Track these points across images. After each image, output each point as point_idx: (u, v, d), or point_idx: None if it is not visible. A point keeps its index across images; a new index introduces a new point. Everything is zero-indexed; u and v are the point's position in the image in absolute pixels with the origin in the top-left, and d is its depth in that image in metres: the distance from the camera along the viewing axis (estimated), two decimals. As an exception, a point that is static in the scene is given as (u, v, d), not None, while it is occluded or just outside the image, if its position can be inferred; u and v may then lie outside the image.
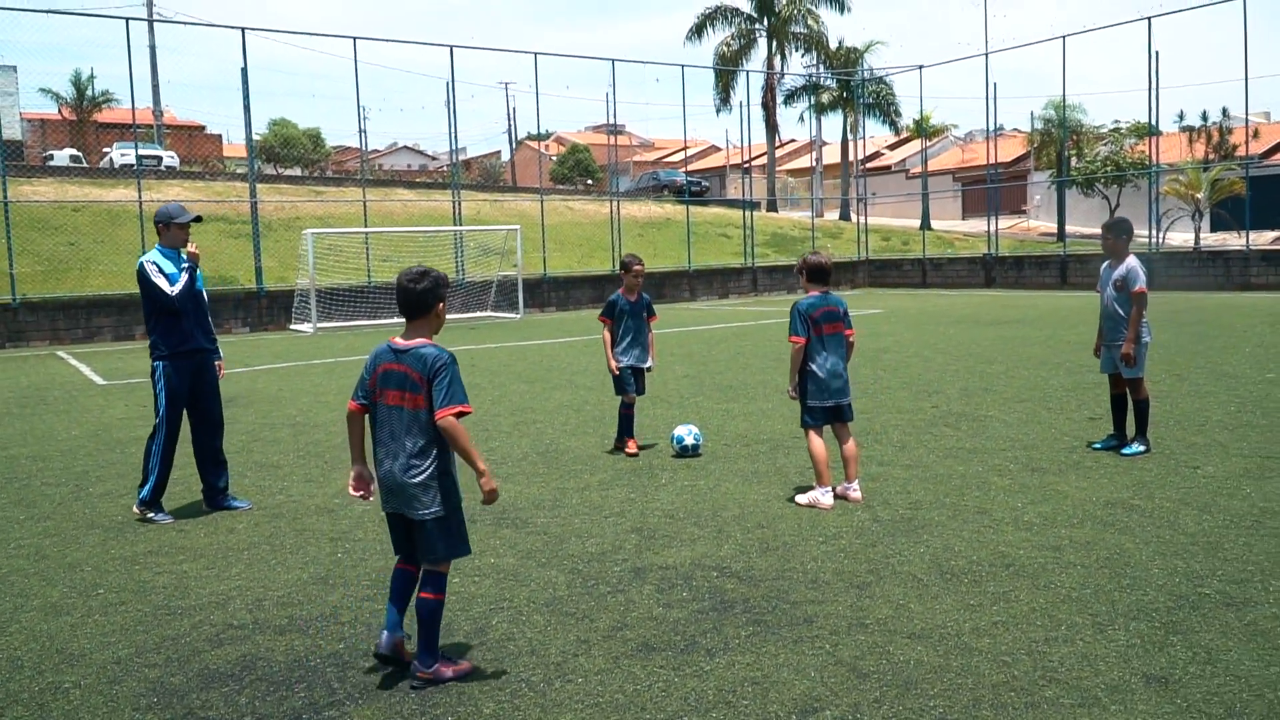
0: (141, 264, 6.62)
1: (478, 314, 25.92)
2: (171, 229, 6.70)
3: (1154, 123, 30.04)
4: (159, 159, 35.11)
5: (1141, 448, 7.43)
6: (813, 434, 6.51)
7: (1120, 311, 7.71)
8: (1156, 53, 28.14)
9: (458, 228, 27.48)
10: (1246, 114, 29.11)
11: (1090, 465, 7.15)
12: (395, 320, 23.84)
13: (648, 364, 8.36)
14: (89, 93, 50.26)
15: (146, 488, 6.55)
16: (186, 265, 6.69)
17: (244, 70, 23.67)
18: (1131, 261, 7.73)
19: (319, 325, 22.70)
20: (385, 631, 4.05)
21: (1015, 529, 5.68)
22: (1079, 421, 8.81)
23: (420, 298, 4.08)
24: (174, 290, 6.52)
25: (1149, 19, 28.25)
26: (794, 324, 6.48)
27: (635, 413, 8.34)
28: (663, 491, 6.88)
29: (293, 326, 23.61)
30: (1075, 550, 5.26)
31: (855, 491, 6.48)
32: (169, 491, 6.84)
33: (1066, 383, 10.93)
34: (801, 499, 6.42)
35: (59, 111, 51.45)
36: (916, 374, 12.20)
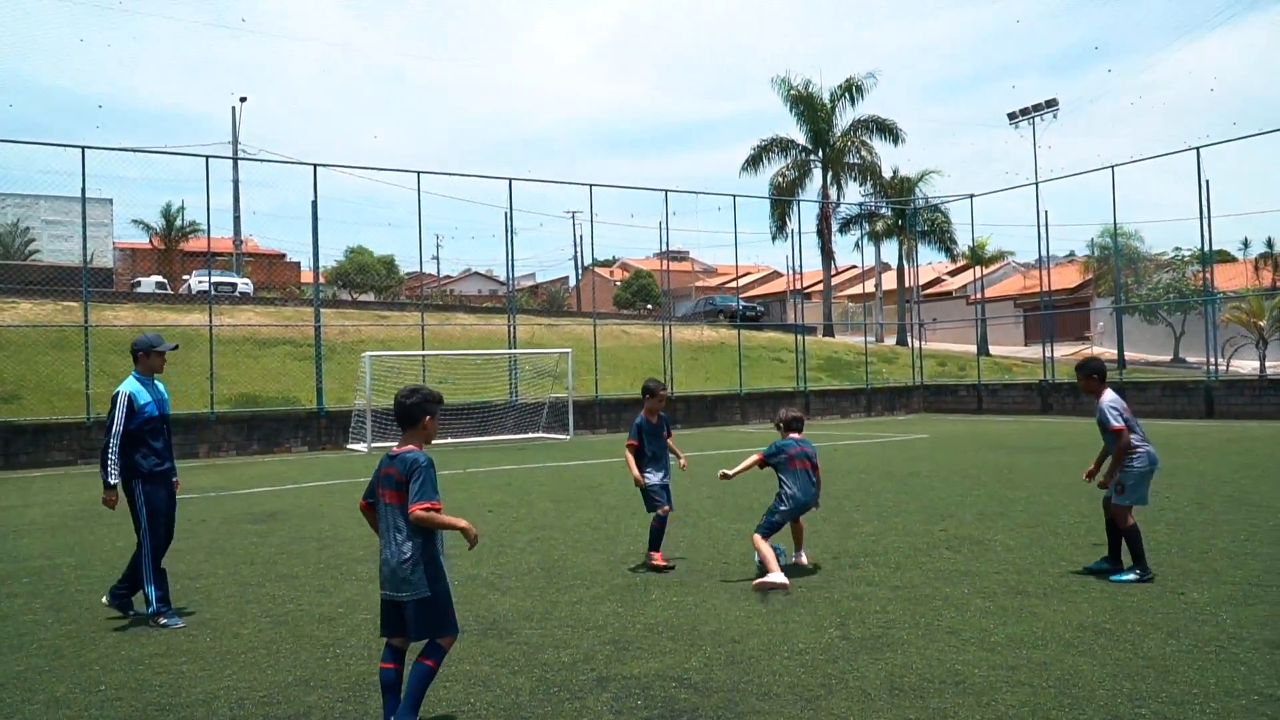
0: (118, 393, 7.13)
1: (529, 435, 26.45)
2: (151, 356, 7.29)
3: (1208, 250, 29.97)
4: (234, 285, 36.92)
5: (1132, 576, 7.45)
6: (760, 538, 7.79)
7: (1111, 446, 7.88)
8: (1207, 181, 28.28)
9: (511, 351, 28.30)
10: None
11: (1076, 590, 7.21)
12: (447, 441, 24.52)
13: (682, 462, 9.10)
14: (178, 223, 53.24)
15: (152, 602, 6.96)
16: (157, 399, 7.25)
17: (314, 204, 25.15)
18: (1102, 401, 7.89)
19: (373, 445, 23.37)
20: None
21: (979, 649, 5.80)
22: (1083, 547, 8.84)
23: (409, 411, 4.76)
24: (116, 431, 7.03)
25: (1198, 149, 28.54)
26: (770, 450, 8.22)
27: (665, 527, 8.63)
28: (650, 606, 7.11)
29: (350, 446, 24.35)
30: (1029, 670, 5.37)
31: (803, 557, 8.31)
32: (189, 599, 7.27)
33: (1085, 509, 10.92)
34: (762, 581, 7.48)
35: (149, 241, 54.49)
36: (937, 498, 12.27)
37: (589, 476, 16.29)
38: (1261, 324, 33.96)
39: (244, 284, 39.24)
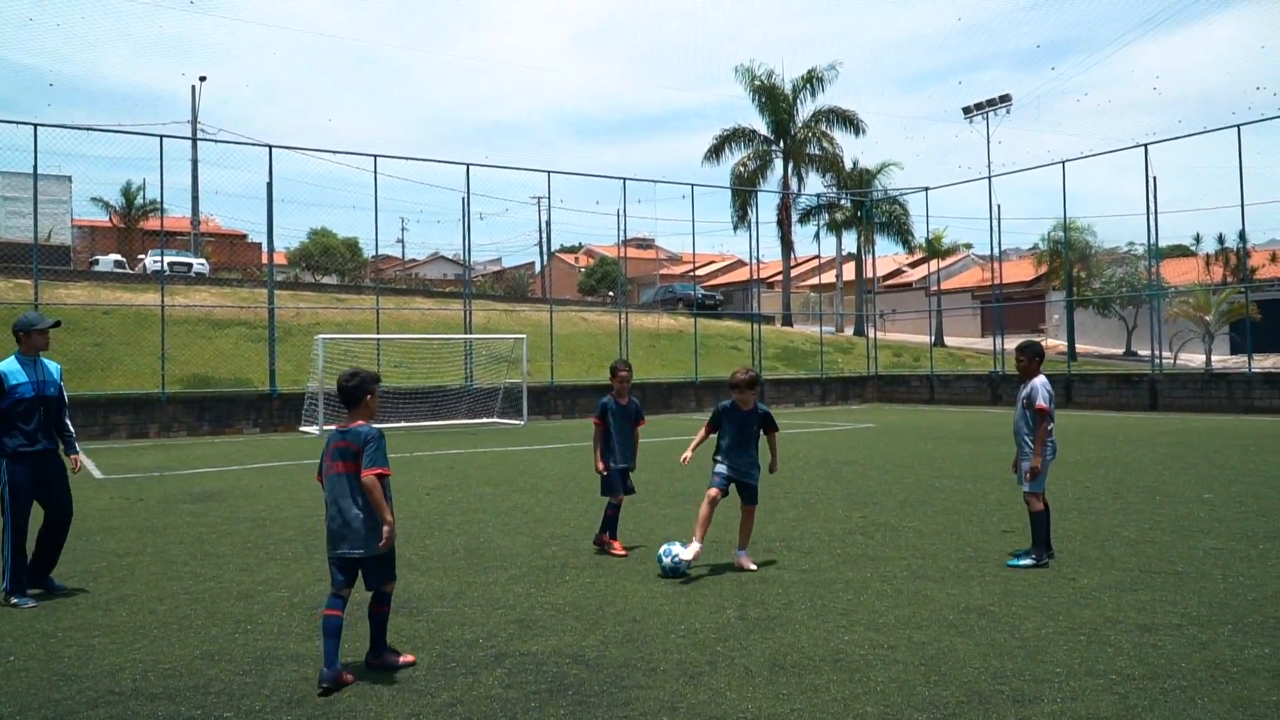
0: None
1: (483, 420, 26.59)
2: (32, 335, 7.26)
3: (1154, 246, 30.56)
4: (189, 266, 36.67)
5: (1028, 561, 7.75)
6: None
7: (1025, 428, 8.15)
8: (1154, 178, 28.82)
9: (466, 335, 28.39)
10: (1243, 238, 29.59)
11: (973, 575, 7.50)
12: (404, 424, 24.60)
13: (632, 466, 8.84)
14: (138, 201, 52.69)
15: (6, 580, 6.98)
16: (38, 380, 7.24)
17: (269, 185, 25.12)
18: (1037, 381, 8.18)
19: (325, 427, 23.42)
20: (325, 668, 5.10)
21: (866, 630, 6.05)
22: (993, 535, 9.15)
23: (352, 392, 5.37)
24: None
25: (1145, 146, 29.06)
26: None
27: (619, 514, 8.75)
28: (563, 587, 7.32)
29: (302, 428, 24.38)
30: (907, 649, 5.63)
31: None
32: (113, 575, 7.36)
33: (1003, 498, 11.26)
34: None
35: (109, 219, 53.89)
36: (864, 486, 12.57)
37: (533, 462, 16.48)
38: (1207, 318, 34.68)
39: (200, 264, 39.00)
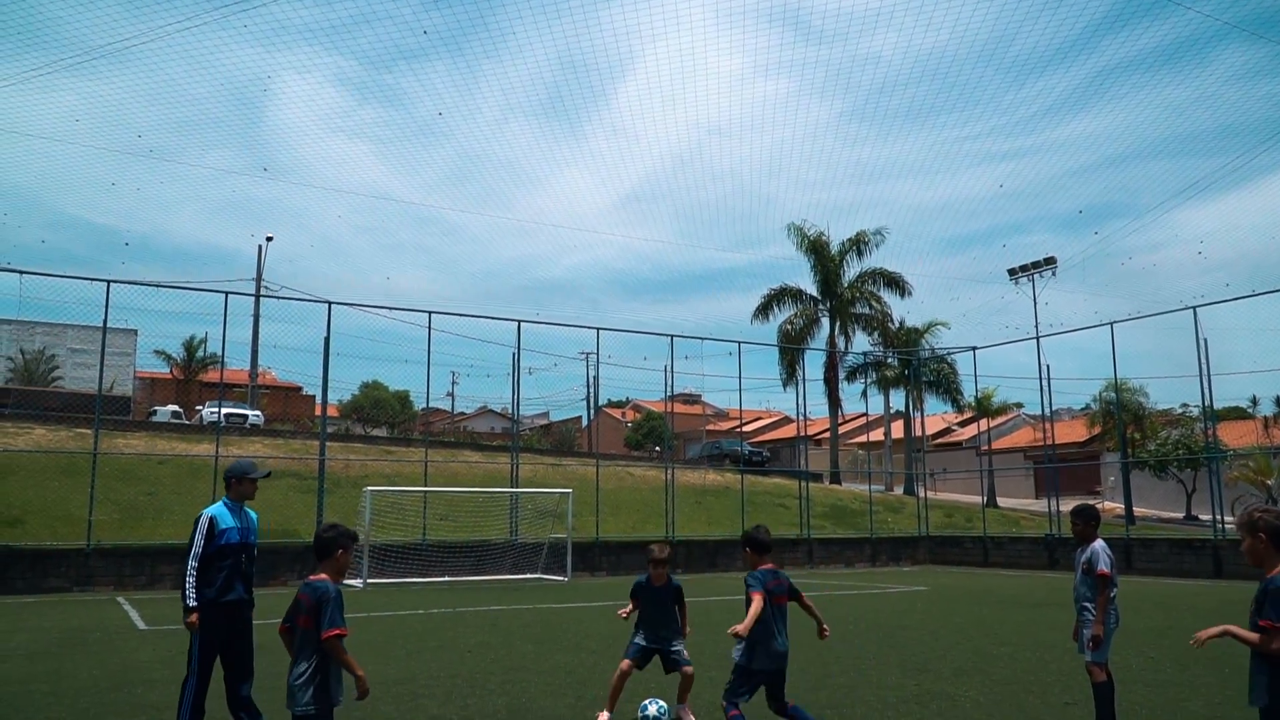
0: (201, 515, 7.04)
1: (527, 575, 26.31)
2: (244, 483, 7.24)
3: (1209, 407, 30.11)
4: (245, 417, 37.45)
5: (1094, 735, 7.40)
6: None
7: (1086, 594, 7.90)
8: (1205, 340, 28.63)
9: (512, 489, 28.41)
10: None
11: (1035, 748, 7.17)
12: (447, 578, 24.43)
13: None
14: (199, 354, 54.30)
15: None
16: (242, 527, 7.14)
17: (326, 340, 25.82)
18: (1096, 545, 7.96)
19: (370, 580, 23.33)
20: None
21: (923, 805, 5.77)
22: (1055, 706, 8.77)
23: (324, 545, 5.31)
24: (195, 553, 6.89)
25: (1194, 308, 28.99)
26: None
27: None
28: (605, 753, 7.09)
29: (345, 580, 24.25)
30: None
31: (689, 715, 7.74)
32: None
33: (1066, 667, 10.83)
34: None
35: (170, 371, 55.47)
36: (919, 652, 12.16)
37: (577, 620, 16.20)
38: (1269, 482, 33.77)
39: (255, 416, 39.79)
